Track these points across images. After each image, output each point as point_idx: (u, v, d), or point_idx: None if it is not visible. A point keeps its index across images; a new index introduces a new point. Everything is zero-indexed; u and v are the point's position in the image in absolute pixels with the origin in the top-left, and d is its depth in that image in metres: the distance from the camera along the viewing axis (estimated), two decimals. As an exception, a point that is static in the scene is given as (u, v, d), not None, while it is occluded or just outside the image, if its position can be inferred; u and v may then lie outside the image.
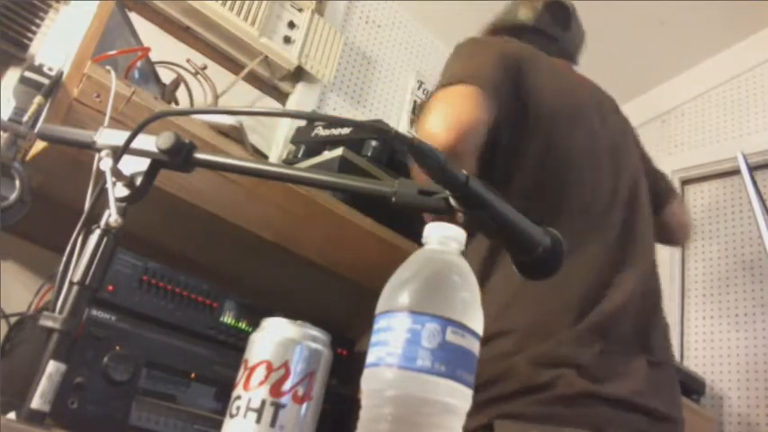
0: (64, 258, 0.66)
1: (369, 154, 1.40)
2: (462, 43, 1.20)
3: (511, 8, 1.41)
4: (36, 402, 0.58)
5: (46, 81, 0.91)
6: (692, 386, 1.91)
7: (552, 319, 0.95)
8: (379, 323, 0.56)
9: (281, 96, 2.01)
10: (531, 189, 1.05)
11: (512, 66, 1.11)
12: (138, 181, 0.69)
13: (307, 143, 1.61)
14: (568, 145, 1.11)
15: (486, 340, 0.80)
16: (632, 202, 1.14)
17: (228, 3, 1.75)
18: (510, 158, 1.06)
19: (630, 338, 1.00)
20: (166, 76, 1.56)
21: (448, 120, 0.98)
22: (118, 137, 0.70)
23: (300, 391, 0.63)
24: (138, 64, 1.25)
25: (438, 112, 1.01)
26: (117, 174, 0.68)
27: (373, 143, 1.41)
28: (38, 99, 0.90)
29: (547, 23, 1.35)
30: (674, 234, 1.40)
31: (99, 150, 0.69)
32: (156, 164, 0.70)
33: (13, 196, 0.86)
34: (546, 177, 1.06)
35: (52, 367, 0.60)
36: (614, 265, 1.04)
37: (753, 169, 1.65)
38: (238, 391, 0.63)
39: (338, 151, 1.33)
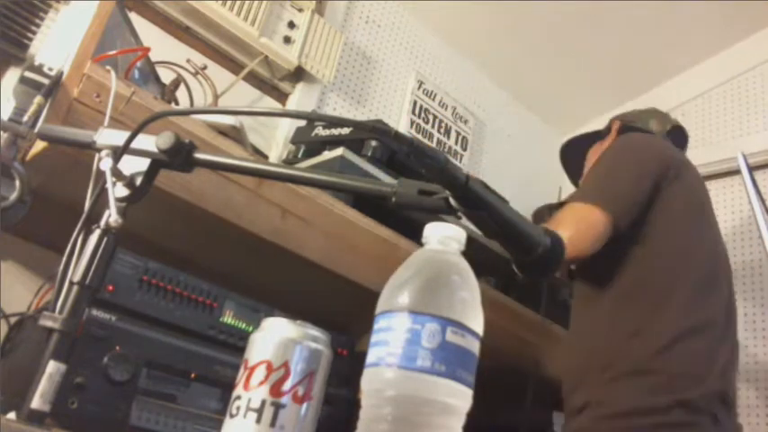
0: (64, 258, 0.66)
1: (369, 154, 1.40)
2: (619, 148, 1.43)
3: (643, 116, 1.67)
4: (36, 402, 0.59)
5: (46, 81, 0.91)
6: (692, 386, 1.91)
7: (697, 374, 1.23)
8: (379, 323, 0.56)
9: (281, 96, 2.01)
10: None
11: (662, 174, 1.35)
12: (138, 181, 0.69)
13: (307, 143, 1.61)
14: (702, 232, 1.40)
15: (638, 372, 1.22)
16: (731, 289, 1.43)
17: (228, 3, 1.75)
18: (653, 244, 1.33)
19: (733, 402, 1.30)
20: (166, 76, 1.56)
21: (568, 237, 1.19)
22: (118, 137, 0.70)
23: (300, 391, 0.63)
24: (138, 64, 1.25)
25: (564, 230, 1.22)
26: (117, 174, 0.68)
27: (373, 143, 1.41)
28: (38, 99, 0.89)
29: (669, 142, 1.58)
30: None
31: (99, 150, 0.69)
32: (156, 164, 0.70)
33: (13, 196, 0.86)
34: (688, 256, 1.34)
35: (52, 367, 0.60)
36: (732, 339, 1.35)
37: (753, 169, 1.65)
38: (238, 391, 0.63)
39: (338, 151, 1.33)
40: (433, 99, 2.41)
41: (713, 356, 1.27)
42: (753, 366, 2.08)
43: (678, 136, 1.65)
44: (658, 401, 1.19)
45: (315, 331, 0.67)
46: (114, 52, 1.06)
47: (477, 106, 2.58)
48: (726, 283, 1.41)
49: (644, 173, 1.35)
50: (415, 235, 0.90)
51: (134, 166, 0.70)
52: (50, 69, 0.93)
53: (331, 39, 1.99)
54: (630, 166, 1.36)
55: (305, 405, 0.63)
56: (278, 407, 0.61)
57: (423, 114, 2.36)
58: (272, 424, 0.61)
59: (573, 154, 1.80)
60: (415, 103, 2.34)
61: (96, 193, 0.69)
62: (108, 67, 0.95)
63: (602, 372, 1.27)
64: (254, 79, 1.93)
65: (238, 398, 0.62)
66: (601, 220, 1.25)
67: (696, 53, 2.48)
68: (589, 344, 1.35)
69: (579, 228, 1.26)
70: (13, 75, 0.94)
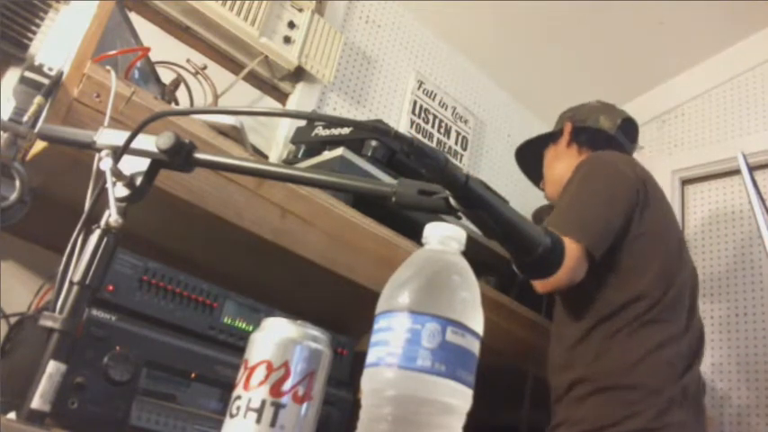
0: (64, 258, 0.66)
1: (369, 154, 1.40)
2: (588, 173, 1.44)
3: (592, 113, 1.68)
4: (36, 402, 0.59)
5: (46, 81, 0.91)
6: (692, 386, 1.91)
7: (665, 380, 1.30)
8: (380, 323, 0.56)
9: (281, 96, 2.01)
10: (651, 283, 1.37)
11: (636, 194, 1.40)
12: (138, 181, 0.69)
13: (307, 143, 1.61)
14: (672, 250, 1.45)
15: (609, 388, 1.29)
16: (693, 293, 1.48)
17: (228, 3, 1.75)
18: (633, 259, 1.38)
19: (698, 399, 1.38)
20: (166, 76, 1.56)
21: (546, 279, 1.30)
22: (118, 137, 0.70)
23: (300, 391, 0.63)
24: (138, 64, 1.25)
25: None
26: (117, 174, 0.68)
27: (373, 143, 1.41)
28: (38, 99, 0.89)
29: (622, 136, 1.65)
30: None
31: (99, 150, 0.69)
32: (156, 164, 0.70)
33: (13, 196, 0.86)
34: (661, 274, 1.38)
35: (52, 367, 0.60)
36: (694, 342, 1.41)
37: (753, 169, 1.65)
38: (238, 391, 0.63)
39: (338, 151, 1.33)
40: (433, 99, 2.41)
41: (675, 362, 1.34)
42: (753, 366, 2.08)
43: (629, 128, 1.68)
44: (628, 413, 1.26)
45: (315, 331, 0.67)
46: (114, 52, 1.06)
47: (477, 106, 2.58)
48: (689, 291, 1.46)
49: (616, 202, 1.38)
50: (415, 235, 0.90)
51: (134, 166, 0.70)
52: (50, 69, 0.93)
53: (331, 39, 1.99)
54: (602, 195, 1.38)
55: (305, 405, 0.63)
56: (278, 407, 0.61)
57: (423, 114, 2.36)
58: (273, 424, 0.61)
59: (529, 157, 1.83)
60: (415, 103, 2.34)
61: (96, 193, 0.69)
62: (108, 67, 0.95)
63: (573, 389, 1.33)
64: (254, 79, 1.93)
65: (238, 398, 0.62)
66: (577, 253, 1.28)
67: (696, 53, 2.48)
68: (564, 361, 1.40)
69: None
70: (13, 75, 0.94)
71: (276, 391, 0.62)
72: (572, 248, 1.27)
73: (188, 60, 1.69)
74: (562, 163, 1.64)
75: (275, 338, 0.65)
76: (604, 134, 1.64)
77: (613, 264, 1.36)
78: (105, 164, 0.67)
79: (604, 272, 1.34)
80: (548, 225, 1.36)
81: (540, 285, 1.34)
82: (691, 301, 1.46)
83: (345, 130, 1.46)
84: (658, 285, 1.37)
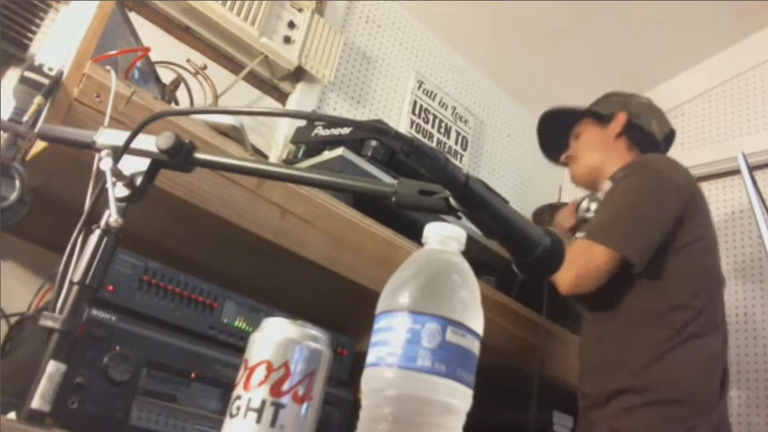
0: (64, 258, 0.66)
1: (369, 154, 1.40)
2: (637, 181, 1.43)
3: (644, 112, 1.66)
4: (36, 402, 0.58)
5: (46, 81, 0.91)
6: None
7: (717, 397, 1.32)
8: (380, 323, 0.56)
9: (281, 96, 2.01)
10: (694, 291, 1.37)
11: (685, 203, 1.40)
12: (138, 181, 0.69)
13: (307, 143, 1.61)
14: (714, 264, 1.46)
15: (665, 402, 1.28)
16: (722, 307, 1.47)
17: (228, 3, 1.75)
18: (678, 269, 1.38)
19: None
20: (166, 76, 1.56)
21: (574, 277, 1.32)
22: (118, 137, 0.70)
23: (300, 391, 0.63)
24: (138, 64, 1.25)
25: (573, 265, 1.31)
26: (117, 174, 0.68)
27: (373, 143, 1.41)
28: (38, 99, 0.89)
29: (664, 145, 1.67)
30: None
31: (99, 150, 0.69)
32: (156, 164, 0.70)
33: (13, 196, 0.86)
34: (702, 285, 1.39)
35: (52, 367, 0.60)
36: (725, 355, 1.41)
37: (753, 169, 1.65)
38: (238, 390, 0.63)
39: (338, 151, 1.33)
40: (433, 99, 2.41)
41: (721, 380, 1.34)
42: (753, 366, 2.08)
43: (670, 140, 1.70)
44: (682, 430, 1.26)
45: (315, 331, 0.67)
46: (114, 52, 1.06)
47: (477, 106, 2.58)
48: (719, 301, 1.45)
49: (668, 214, 1.37)
50: (415, 235, 0.90)
51: (134, 166, 0.70)
52: (50, 69, 0.93)
53: (331, 39, 1.99)
54: (655, 206, 1.38)
55: (305, 405, 0.63)
56: (278, 407, 0.61)
57: (423, 114, 2.36)
58: (272, 424, 0.61)
59: (553, 125, 1.73)
60: (415, 103, 2.34)
61: (96, 193, 0.69)
62: (108, 67, 0.95)
63: (620, 397, 1.31)
64: (254, 79, 1.93)
65: (238, 398, 0.63)
66: (603, 258, 1.30)
67: (696, 53, 2.48)
68: (606, 366, 1.37)
69: (580, 267, 1.32)
70: (13, 75, 0.94)
71: (276, 391, 0.62)
72: (599, 254, 1.30)
73: (188, 60, 1.69)
74: (607, 153, 1.58)
75: (275, 338, 0.65)
76: (653, 138, 1.61)
77: (658, 270, 1.35)
78: (105, 164, 0.67)
79: (649, 277, 1.34)
80: (588, 229, 1.38)
81: (567, 288, 1.34)
82: (721, 315, 1.45)
83: (345, 130, 1.46)
84: (700, 295, 1.36)
